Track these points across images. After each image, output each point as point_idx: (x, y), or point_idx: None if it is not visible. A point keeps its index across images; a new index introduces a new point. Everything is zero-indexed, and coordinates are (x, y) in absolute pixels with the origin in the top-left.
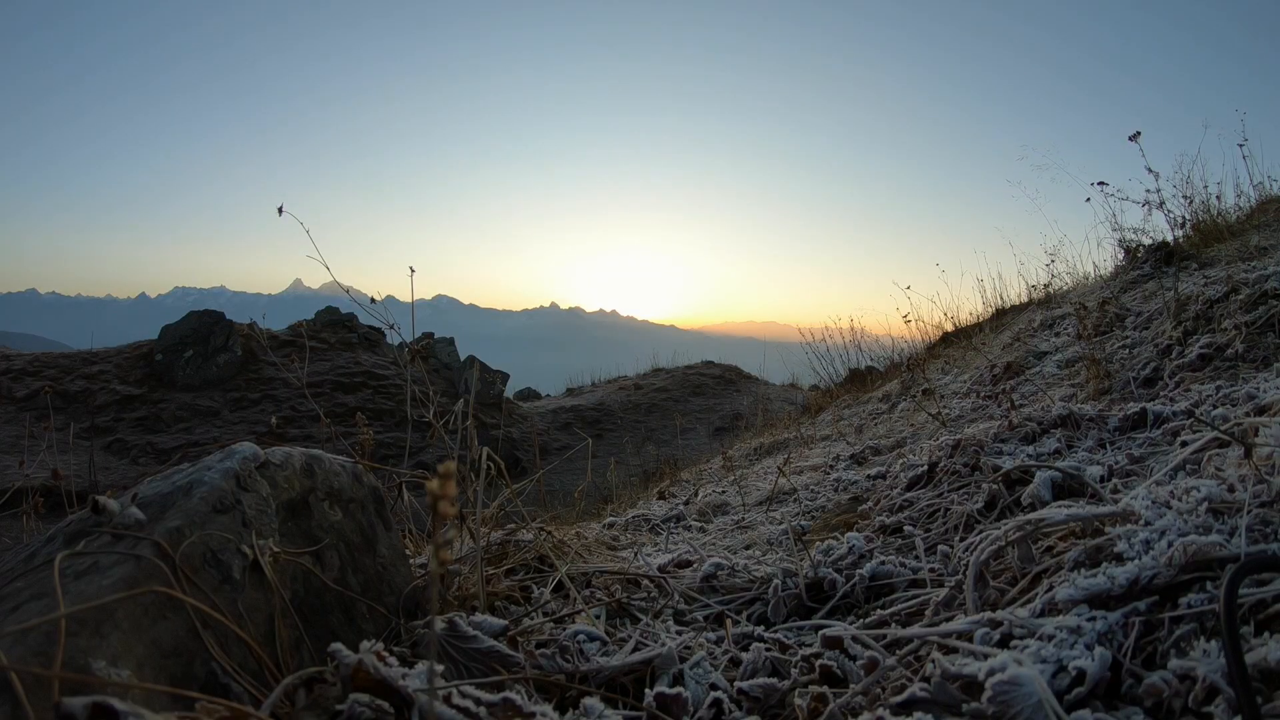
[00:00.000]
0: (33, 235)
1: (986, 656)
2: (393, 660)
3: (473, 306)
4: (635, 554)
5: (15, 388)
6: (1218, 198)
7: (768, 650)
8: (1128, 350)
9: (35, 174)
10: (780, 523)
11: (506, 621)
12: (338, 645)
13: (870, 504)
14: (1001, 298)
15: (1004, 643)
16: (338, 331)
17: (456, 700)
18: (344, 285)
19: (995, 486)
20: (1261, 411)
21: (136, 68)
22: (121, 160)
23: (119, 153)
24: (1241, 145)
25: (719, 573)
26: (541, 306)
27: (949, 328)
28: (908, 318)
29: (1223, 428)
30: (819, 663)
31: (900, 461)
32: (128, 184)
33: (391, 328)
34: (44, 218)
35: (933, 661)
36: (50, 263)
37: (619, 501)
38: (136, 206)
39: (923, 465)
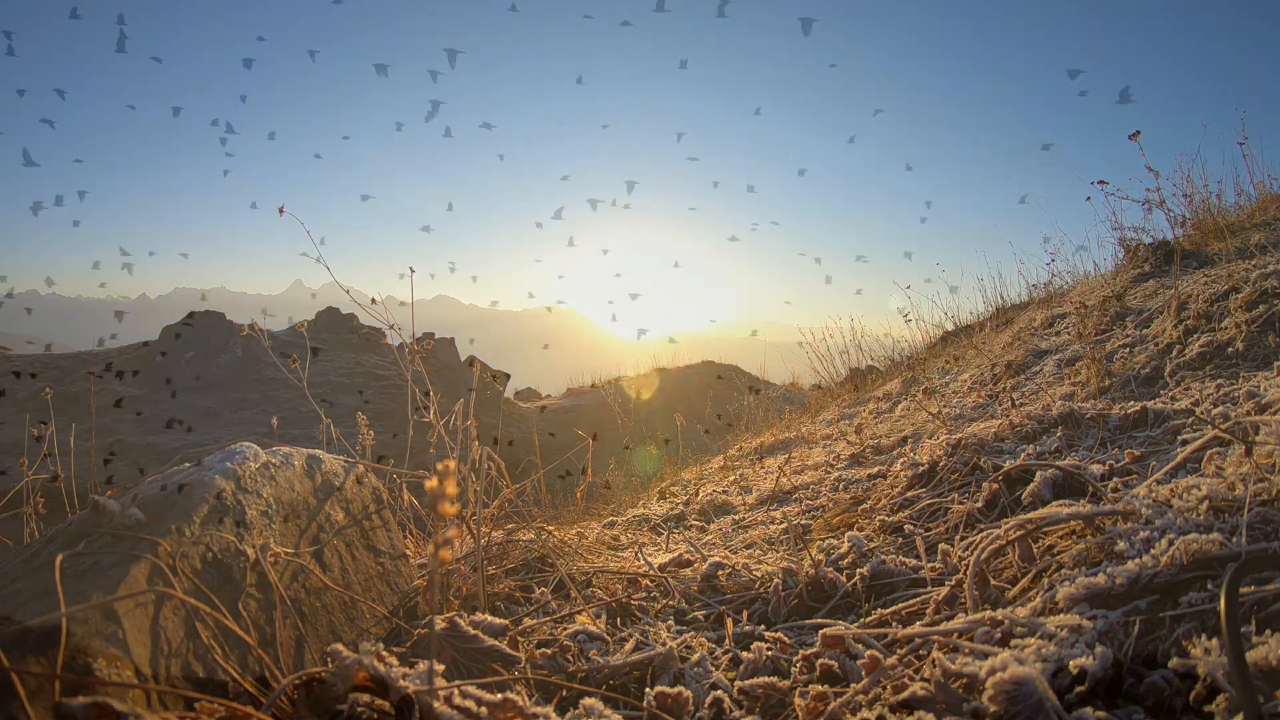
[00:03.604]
0: (33, 236)
1: (987, 655)
2: (393, 660)
3: (473, 307)
4: (636, 554)
5: (15, 388)
6: (1218, 196)
7: (769, 650)
8: (1128, 349)
9: (35, 174)
10: (781, 522)
11: (507, 621)
12: (337, 645)
13: (871, 503)
14: (1002, 297)
15: (1005, 641)
16: (338, 332)
17: (457, 700)
18: (344, 286)
19: (996, 485)
20: (1262, 410)
21: (136, 68)
22: (121, 160)
23: (119, 153)
24: (1241, 144)
25: (719, 572)
26: (543, 307)
27: (949, 326)
28: (908, 317)
29: (1223, 426)
30: (820, 662)
31: (901, 461)
32: (128, 184)
33: (392, 328)
34: (43, 218)
35: (934, 661)
36: (50, 263)
37: (619, 502)
38: (136, 206)
39: (923, 464)
